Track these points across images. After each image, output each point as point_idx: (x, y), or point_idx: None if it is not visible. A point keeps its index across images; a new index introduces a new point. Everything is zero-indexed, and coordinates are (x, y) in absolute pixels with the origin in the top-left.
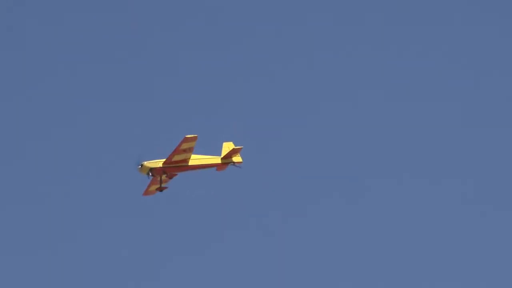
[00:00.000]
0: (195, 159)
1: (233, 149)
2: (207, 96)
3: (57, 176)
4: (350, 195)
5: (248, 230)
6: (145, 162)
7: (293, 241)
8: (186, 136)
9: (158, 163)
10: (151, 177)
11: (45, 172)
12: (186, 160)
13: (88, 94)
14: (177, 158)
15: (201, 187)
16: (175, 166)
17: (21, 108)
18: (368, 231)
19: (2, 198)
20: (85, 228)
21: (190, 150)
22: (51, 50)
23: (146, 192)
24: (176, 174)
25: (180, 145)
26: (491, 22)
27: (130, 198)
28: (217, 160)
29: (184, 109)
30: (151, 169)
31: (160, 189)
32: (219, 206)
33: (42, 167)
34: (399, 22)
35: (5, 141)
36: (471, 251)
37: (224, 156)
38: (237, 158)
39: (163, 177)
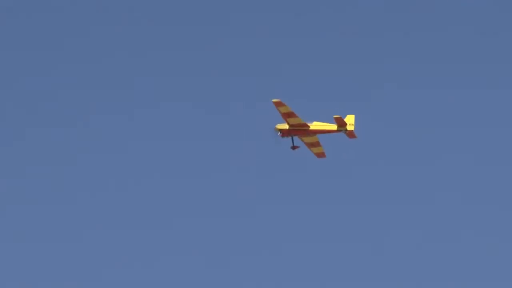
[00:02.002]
0: (316, 125)
1: (335, 118)
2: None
3: None
4: None
5: None
6: (277, 125)
7: None
8: (273, 100)
9: (286, 125)
10: (281, 136)
11: None
12: (306, 125)
13: None
14: (292, 121)
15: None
16: (299, 129)
17: None
18: None
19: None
20: None
21: (293, 114)
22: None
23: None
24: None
25: (278, 109)
26: None
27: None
28: (333, 127)
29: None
30: (280, 130)
31: (293, 148)
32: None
33: None
34: None
35: None
36: None
37: (338, 125)
38: (350, 127)
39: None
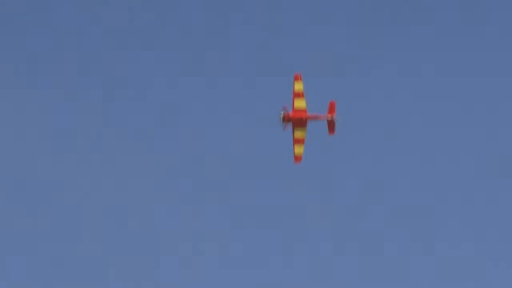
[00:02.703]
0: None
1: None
2: None
3: None
4: None
5: None
6: (282, 112)
7: None
8: (296, 73)
9: (289, 111)
10: (285, 124)
11: None
12: (305, 110)
13: None
14: (298, 104)
15: None
16: (298, 116)
17: None
18: None
19: None
20: None
21: (302, 95)
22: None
23: (296, 159)
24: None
25: (293, 86)
26: None
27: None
28: (323, 116)
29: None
30: (284, 115)
31: (285, 128)
32: None
33: None
34: None
35: None
36: None
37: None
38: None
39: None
